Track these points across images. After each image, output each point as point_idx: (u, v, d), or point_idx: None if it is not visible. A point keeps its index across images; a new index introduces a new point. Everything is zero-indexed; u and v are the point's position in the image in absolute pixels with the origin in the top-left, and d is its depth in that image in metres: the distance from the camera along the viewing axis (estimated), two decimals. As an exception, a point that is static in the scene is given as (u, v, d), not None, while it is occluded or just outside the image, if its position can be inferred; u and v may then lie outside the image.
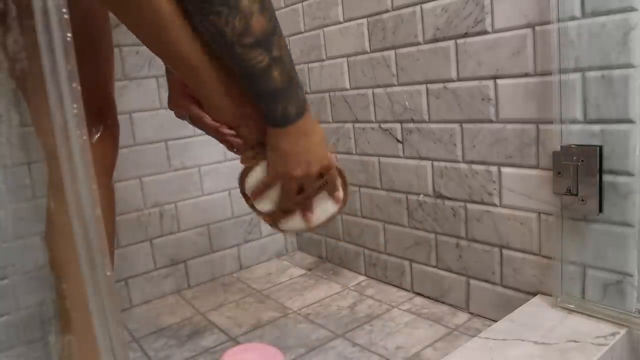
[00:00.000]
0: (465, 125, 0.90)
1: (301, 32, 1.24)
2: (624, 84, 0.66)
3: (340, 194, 0.73)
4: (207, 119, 0.67)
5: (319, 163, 0.67)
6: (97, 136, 0.72)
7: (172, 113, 0.71)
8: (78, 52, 0.71)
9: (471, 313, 0.96)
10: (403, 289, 1.10)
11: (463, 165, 0.92)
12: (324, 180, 0.70)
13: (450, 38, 0.89)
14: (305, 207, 0.73)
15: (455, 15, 0.87)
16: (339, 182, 0.73)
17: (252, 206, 0.74)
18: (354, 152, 1.15)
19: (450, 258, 0.98)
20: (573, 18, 0.70)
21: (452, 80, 0.90)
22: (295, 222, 0.74)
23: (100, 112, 0.72)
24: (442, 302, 1.02)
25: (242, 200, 0.76)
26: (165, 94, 0.75)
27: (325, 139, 0.68)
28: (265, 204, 0.72)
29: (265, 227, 1.35)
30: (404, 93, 1.00)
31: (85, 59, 0.70)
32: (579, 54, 0.70)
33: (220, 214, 1.29)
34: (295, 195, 0.70)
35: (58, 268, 0.70)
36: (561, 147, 0.73)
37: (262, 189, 0.71)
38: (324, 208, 0.73)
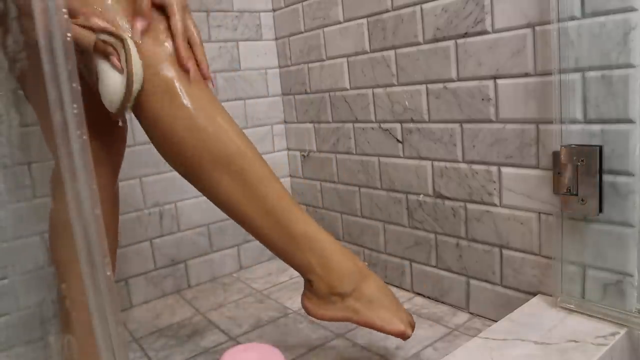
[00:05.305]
0: (465, 125, 0.90)
1: (301, 32, 1.24)
2: (624, 84, 0.66)
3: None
4: None
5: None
6: (108, 137, 0.72)
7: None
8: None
9: (471, 313, 0.96)
10: (403, 289, 1.10)
11: (463, 165, 0.92)
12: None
13: (450, 38, 0.89)
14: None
15: (455, 15, 0.87)
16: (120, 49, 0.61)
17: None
18: (354, 152, 1.15)
19: (450, 258, 0.98)
20: (573, 18, 0.70)
21: (452, 80, 0.90)
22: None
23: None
24: (442, 302, 1.02)
25: None
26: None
27: None
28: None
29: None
30: (404, 93, 1.00)
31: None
32: (579, 54, 0.70)
33: (220, 214, 1.27)
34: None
35: (60, 268, 0.70)
36: (561, 147, 0.73)
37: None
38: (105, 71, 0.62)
